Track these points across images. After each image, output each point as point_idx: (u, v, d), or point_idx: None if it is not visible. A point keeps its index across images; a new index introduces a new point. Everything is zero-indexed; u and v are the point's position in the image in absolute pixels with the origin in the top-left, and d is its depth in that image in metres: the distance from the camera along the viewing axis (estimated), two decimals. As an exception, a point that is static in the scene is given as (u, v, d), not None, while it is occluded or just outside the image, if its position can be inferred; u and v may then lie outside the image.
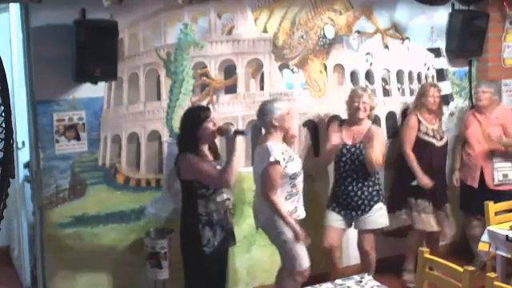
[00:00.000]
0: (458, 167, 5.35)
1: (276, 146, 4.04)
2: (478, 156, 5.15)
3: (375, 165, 4.51)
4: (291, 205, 4.13)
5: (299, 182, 4.17)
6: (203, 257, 3.79)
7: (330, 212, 4.68)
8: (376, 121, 5.24)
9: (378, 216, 4.62)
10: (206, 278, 3.84)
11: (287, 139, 4.23)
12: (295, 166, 4.13)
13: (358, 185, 4.57)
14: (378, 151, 4.50)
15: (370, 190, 4.59)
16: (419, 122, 5.02)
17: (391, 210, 4.92)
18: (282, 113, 4.08)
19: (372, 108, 4.68)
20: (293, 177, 4.10)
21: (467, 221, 5.27)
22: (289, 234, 4.05)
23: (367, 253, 4.67)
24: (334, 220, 4.65)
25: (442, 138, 5.05)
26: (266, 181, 4.00)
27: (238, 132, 3.88)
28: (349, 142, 4.61)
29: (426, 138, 4.99)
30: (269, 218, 4.11)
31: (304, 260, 4.12)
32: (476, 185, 5.15)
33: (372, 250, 4.68)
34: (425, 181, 4.90)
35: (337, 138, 4.61)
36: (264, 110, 4.13)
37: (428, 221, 4.97)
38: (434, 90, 5.03)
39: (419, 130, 5.00)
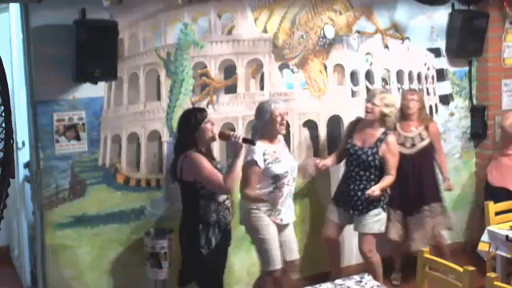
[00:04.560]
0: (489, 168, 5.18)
1: (259, 146, 4.09)
2: None
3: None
4: (274, 206, 4.16)
5: (284, 184, 4.16)
6: (201, 258, 3.77)
7: (331, 205, 4.71)
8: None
9: (373, 221, 4.54)
10: (202, 279, 3.83)
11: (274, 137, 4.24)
12: (280, 168, 4.14)
13: (360, 186, 4.54)
14: (391, 165, 4.51)
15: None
16: (395, 129, 4.90)
17: None
18: (271, 114, 4.14)
19: (385, 115, 4.51)
20: (275, 178, 4.14)
21: None
22: (264, 232, 4.13)
23: (365, 255, 4.62)
24: (333, 213, 4.68)
25: (413, 146, 4.93)
26: (242, 177, 4.06)
27: (246, 140, 3.82)
28: (358, 144, 4.58)
29: None
30: (246, 215, 4.21)
31: (275, 261, 4.15)
32: None
33: (371, 253, 4.58)
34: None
35: (331, 160, 4.63)
36: (258, 110, 4.25)
37: (390, 228, 4.89)
38: (409, 94, 4.97)
39: None
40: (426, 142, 4.96)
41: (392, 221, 4.90)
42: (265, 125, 4.20)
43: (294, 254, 4.37)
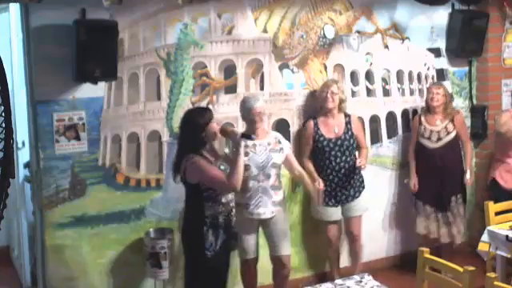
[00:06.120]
0: (495, 167, 5.19)
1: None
2: None
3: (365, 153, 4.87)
4: (242, 200, 4.19)
5: (249, 178, 4.14)
6: (205, 260, 3.74)
7: (325, 208, 4.71)
8: (376, 120, 5.29)
9: (365, 201, 4.82)
10: (205, 281, 3.82)
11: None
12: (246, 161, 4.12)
13: (351, 174, 4.69)
14: (363, 139, 4.89)
15: (358, 177, 4.76)
16: (420, 123, 5.07)
17: None
18: (249, 112, 4.22)
19: (342, 100, 4.74)
20: None
21: None
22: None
23: (357, 237, 4.80)
24: (333, 214, 4.76)
25: (439, 140, 5.01)
26: None
27: (245, 136, 3.82)
28: (331, 136, 4.70)
29: (421, 139, 5.05)
30: None
31: (245, 251, 4.30)
32: None
33: (361, 235, 4.82)
34: (412, 181, 5.02)
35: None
36: (240, 105, 4.35)
37: (429, 226, 5.05)
38: (434, 88, 5.09)
39: (418, 131, 5.06)
40: (452, 136, 5.04)
41: (421, 215, 5.04)
42: (245, 120, 4.32)
43: (280, 250, 4.35)
